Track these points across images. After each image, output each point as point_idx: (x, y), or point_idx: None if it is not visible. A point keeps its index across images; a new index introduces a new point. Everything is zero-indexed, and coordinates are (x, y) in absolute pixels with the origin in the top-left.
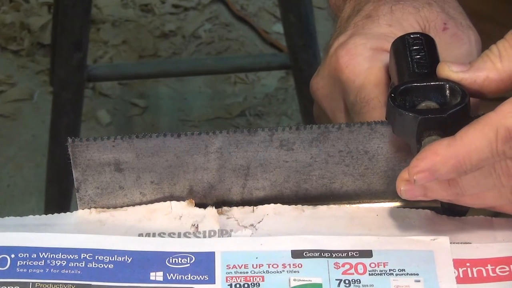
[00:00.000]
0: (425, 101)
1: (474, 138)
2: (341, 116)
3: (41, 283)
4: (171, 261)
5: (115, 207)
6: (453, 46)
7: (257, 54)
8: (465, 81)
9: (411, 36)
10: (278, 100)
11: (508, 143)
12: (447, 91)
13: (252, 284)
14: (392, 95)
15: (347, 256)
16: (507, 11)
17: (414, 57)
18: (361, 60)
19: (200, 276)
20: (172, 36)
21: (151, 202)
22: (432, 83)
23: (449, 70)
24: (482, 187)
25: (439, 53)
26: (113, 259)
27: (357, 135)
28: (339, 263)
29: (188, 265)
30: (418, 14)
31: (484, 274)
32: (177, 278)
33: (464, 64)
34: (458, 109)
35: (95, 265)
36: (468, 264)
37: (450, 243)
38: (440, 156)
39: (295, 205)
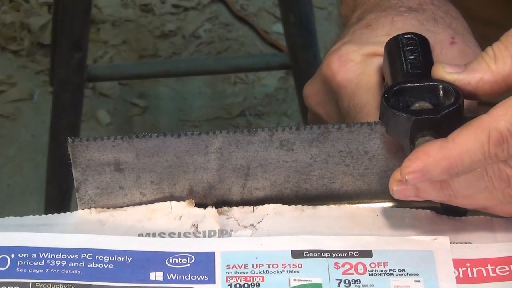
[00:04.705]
0: (419, 102)
1: (467, 141)
2: (335, 117)
3: (41, 283)
4: (171, 261)
5: (115, 207)
6: (460, 61)
7: (257, 54)
8: (459, 82)
9: (405, 36)
10: (278, 100)
11: (500, 146)
12: (441, 92)
13: (252, 284)
14: (386, 95)
15: (347, 256)
16: (511, 16)
17: (408, 57)
18: (352, 65)
19: (200, 276)
20: (172, 36)
21: (151, 202)
22: (425, 84)
23: (444, 71)
24: (474, 189)
25: (432, 53)
26: (113, 259)
27: (357, 135)
28: (339, 263)
29: (188, 265)
30: (423, 27)
31: (484, 274)
32: (177, 278)
33: (459, 66)
34: (452, 110)
35: (95, 265)
36: (468, 264)
37: (450, 243)
38: (432, 157)
39: (295, 205)
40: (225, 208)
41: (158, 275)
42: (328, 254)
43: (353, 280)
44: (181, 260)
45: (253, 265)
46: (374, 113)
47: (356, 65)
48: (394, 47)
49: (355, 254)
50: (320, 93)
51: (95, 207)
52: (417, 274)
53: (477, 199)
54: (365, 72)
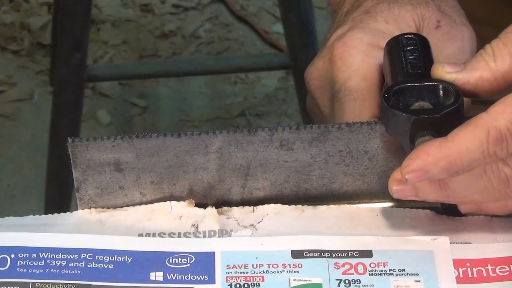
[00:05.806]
0: (419, 102)
1: (466, 139)
2: (328, 104)
3: (41, 283)
4: (171, 261)
5: (115, 207)
6: (445, 43)
7: (257, 54)
8: (459, 81)
9: (405, 36)
10: (278, 100)
11: (499, 145)
12: (441, 92)
13: (252, 284)
14: (386, 95)
15: (347, 256)
16: (507, 16)
17: (408, 57)
18: (355, 52)
19: (200, 276)
20: (172, 36)
21: (151, 202)
22: (425, 84)
23: (443, 71)
24: (472, 189)
25: (433, 53)
26: (113, 259)
27: (357, 135)
28: (339, 263)
29: (188, 265)
30: (414, 12)
31: (484, 274)
32: (177, 278)
33: (458, 65)
34: (452, 109)
35: (95, 265)
36: (468, 264)
37: (450, 243)
38: (431, 156)
39: (295, 205)
40: (225, 208)
41: (158, 275)
42: (328, 254)
43: (353, 280)
44: (181, 260)
45: (253, 265)
46: (361, 101)
47: (359, 52)
48: (394, 47)
49: (355, 254)
50: (320, 77)
51: (95, 207)
52: (417, 274)
53: (474, 198)
54: (365, 61)
